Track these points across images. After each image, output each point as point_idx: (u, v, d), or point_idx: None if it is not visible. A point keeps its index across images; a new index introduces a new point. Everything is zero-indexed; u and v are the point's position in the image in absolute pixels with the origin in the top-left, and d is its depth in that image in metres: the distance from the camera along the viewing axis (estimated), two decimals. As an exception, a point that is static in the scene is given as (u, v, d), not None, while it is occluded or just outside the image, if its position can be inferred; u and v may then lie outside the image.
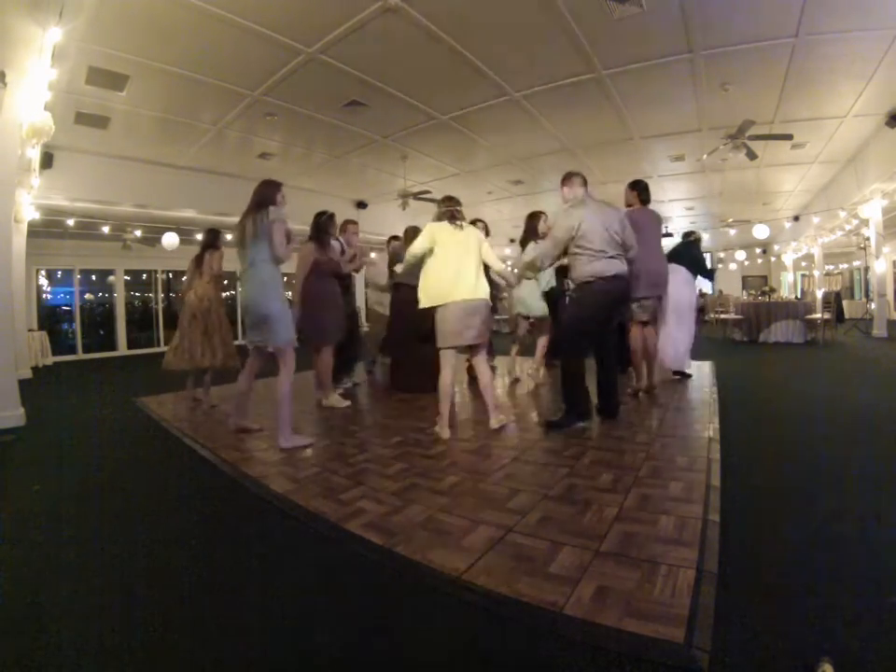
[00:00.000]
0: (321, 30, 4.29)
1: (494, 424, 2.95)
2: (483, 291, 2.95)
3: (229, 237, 4.11)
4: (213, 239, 4.20)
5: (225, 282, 4.32)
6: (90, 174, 6.97)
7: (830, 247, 12.92)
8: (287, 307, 2.85)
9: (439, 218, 3.01)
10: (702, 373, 4.91)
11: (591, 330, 2.98)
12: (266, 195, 2.83)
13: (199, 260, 4.13)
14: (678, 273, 4.24)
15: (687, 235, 5.21)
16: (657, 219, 3.98)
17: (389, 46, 4.58)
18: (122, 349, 11.04)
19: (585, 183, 3.11)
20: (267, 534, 1.78)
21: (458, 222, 2.98)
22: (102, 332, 11.22)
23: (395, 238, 5.00)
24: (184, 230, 9.29)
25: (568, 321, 3.09)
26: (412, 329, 3.92)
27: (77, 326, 10.50)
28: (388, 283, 4.58)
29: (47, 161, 6.09)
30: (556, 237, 3.03)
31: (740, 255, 16.12)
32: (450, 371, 2.93)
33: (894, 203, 8.16)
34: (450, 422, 2.98)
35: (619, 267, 2.92)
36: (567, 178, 3.14)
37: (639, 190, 3.92)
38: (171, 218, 8.73)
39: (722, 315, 9.37)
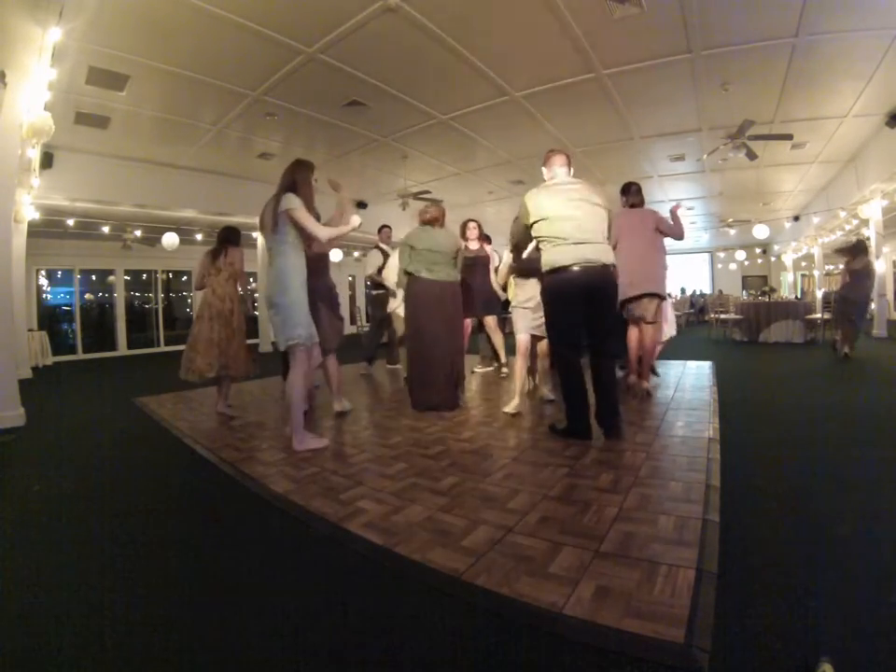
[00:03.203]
0: (321, 30, 4.29)
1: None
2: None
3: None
4: (229, 234, 3.83)
5: (252, 282, 3.92)
6: (90, 174, 6.98)
7: (830, 247, 12.91)
8: (298, 301, 2.64)
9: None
10: (702, 373, 4.91)
11: (564, 330, 2.70)
12: (296, 179, 2.68)
13: (215, 255, 3.70)
14: None
15: None
16: (644, 219, 3.79)
17: (389, 46, 4.58)
18: (122, 349, 11.06)
19: (568, 163, 2.84)
20: (267, 534, 1.78)
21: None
22: (102, 332, 11.23)
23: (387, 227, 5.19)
24: (184, 230, 9.31)
25: (546, 321, 2.89)
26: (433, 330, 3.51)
27: (77, 326, 10.51)
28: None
29: (47, 161, 6.09)
30: (514, 224, 2.97)
31: (740, 255, 16.13)
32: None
33: (894, 203, 8.16)
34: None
35: (590, 253, 2.60)
36: (545, 157, 2.90)
37: (629, 195, 3.88)
38: (171, 218, 8.73)
39: (722, 315, 9.36)
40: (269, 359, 6.62)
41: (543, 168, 2.92)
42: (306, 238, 2.71)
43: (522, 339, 3.46)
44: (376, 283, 5.38)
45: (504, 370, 5.11)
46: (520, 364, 3.46)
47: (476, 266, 4.69)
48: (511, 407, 3.34)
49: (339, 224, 2.94)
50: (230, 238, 3.81)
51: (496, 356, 5.23)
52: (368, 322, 7.32)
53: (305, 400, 2.84)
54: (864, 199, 8.20)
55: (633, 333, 3.90)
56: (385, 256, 5.27)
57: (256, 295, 12.04)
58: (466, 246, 4.83)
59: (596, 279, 2.63)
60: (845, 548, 1.48)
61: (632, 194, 3.88)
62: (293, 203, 2.59)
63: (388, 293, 4.93)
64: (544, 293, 2.83)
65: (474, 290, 4.58)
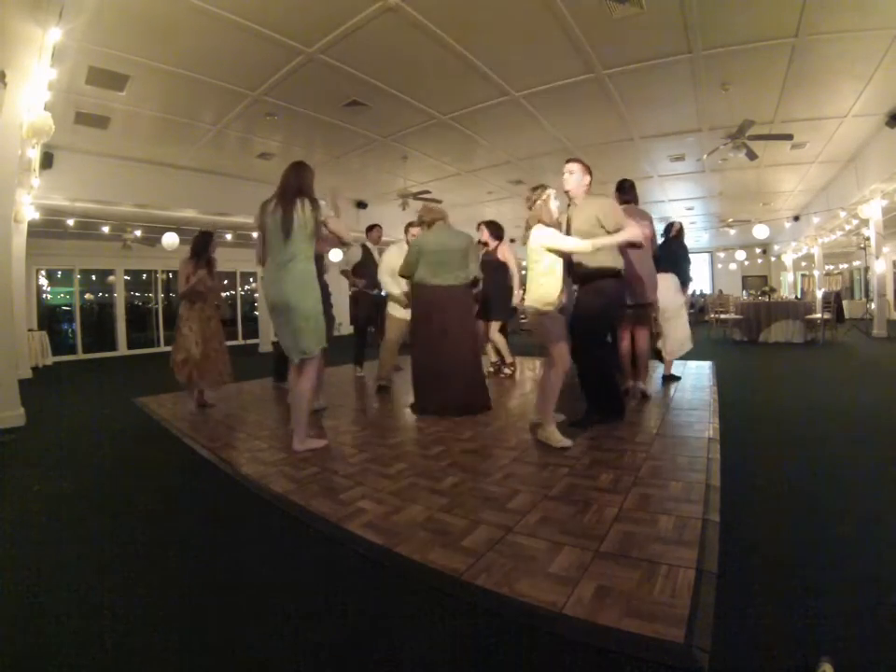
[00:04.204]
0: (321, 30, 4.28)
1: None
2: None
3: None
4: (195, 246, 3.96)
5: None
6: (90, 174, 6.96)
7: (830, 247, 12.91)
8: (321, 307, 2.71)
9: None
10: (702, 373, 4.91)
11: (609, 330, 3.09)
12: (309, 183, 2.68)
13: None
14: (665, 280, 4.07)
15: (666, 231, 4.87)
16: (641, 219, 3.69)
17: (389, 46, 4.58)
18: (122, 349, 11.05)
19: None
20: (267, 534, 1.78)
21: None
22: (102, 332, 11.22)
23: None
24: (184, 230, 9.30)
25: (593, 313, 2.84)
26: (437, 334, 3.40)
27: (77, 326, 10.51)
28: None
29: (47, 161, 6.09)
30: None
31: (740, 255, 16.11)
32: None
33: (894, 203, 8.16)
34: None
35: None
36: (586, 166, 2.94)
37: (623, 191, 3.87)
38: (171, 218, 8.73)
39: (722, 315, 9.36)
40: (268, 360, 6.61)
41: (587, 177, 2.94)
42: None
43: (566, 348, 2.69)
44: (351, 278, 5.36)
45: (507, 370, 5.10)
46: (559, 378, 2.69)
47: (485, 269, 4.80)
48: (557, 439, 2.58)
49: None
50: (195, 249, 3.97)
51: (501, 359, 5.15)
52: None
53: (309, 402, 2.84)
54: (864, 199, 8.19)
55: (626, 338, 3.87)
56: (367, 253, 5.21)
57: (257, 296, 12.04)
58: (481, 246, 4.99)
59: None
60: (845, 548, 1.48)
61: (626, 191, 3.88)
62: (328, 211, 2.75)
63: (372, 292, 5.12)
64: (609, 296, 2.89)
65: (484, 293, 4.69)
